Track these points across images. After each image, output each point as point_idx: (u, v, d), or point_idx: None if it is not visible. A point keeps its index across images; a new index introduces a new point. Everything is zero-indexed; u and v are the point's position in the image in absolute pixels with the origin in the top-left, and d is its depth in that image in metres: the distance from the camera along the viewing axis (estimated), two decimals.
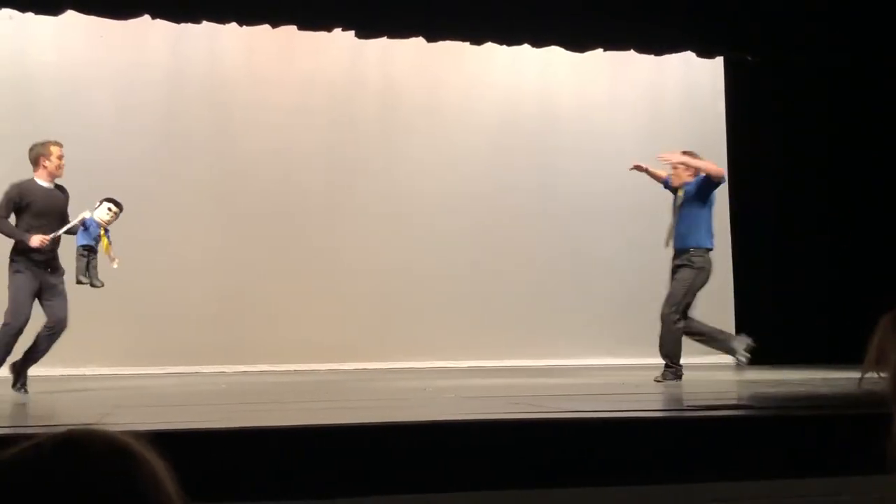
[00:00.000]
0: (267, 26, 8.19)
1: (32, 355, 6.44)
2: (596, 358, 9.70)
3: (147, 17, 7.71)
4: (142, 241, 9.01)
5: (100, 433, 1.01)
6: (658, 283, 9.94)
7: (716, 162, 7.80)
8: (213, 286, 9.15)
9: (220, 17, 8.08)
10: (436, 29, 8.35)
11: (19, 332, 6.33)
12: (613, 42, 8.89)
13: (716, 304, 10.33)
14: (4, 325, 6.34)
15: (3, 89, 8.80)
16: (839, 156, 10.19)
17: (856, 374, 1.39)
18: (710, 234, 7.09)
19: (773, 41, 8.71)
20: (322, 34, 8.39)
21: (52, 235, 6.30)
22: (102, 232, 6.55)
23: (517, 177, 10.09)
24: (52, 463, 0.97)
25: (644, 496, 3.63)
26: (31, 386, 6.55)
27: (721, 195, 10.61)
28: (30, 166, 6.54)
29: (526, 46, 8.94)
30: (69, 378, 8.16)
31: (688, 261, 7.05)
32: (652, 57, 9.55)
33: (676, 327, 7.05)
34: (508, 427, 3.99)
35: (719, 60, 10.26)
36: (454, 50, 9.11)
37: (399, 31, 8.45)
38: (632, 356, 9.35)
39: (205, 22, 8.14)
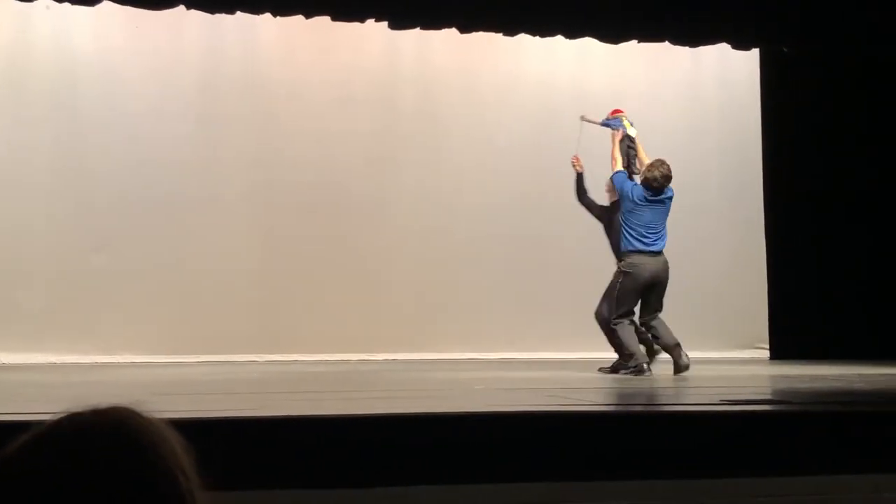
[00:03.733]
0: (301, 17, 8.21)
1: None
2: None
3: (182, 7, 7.74)
4: (177, 230, 9.08)
5: (101, 419, 0.97)
6: (698, 275, 9.89)
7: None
8: (247, 275, 9.19)
9: (255, 8, 8.10)
10: (469, 20, 8.32)
11: None
12: (648, 33, 8.81)
13: (751, 300, 10.27)
14: None
15: (42, 78, 8.88)
16: (877, 149, 10.07)
17: (893, 371, 1.36)
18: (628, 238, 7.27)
19: (809, 33, 8.60)
20: (357, 25, 8.39)
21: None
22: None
23: (554, 168, 10.03)
24: (47, 453, 0.94)
25: (679, 490, 3.61)
26: (67, 374, 6.60)
27: (755, 190, 10.56)
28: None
29: (560, 38, 8.89)
30: (103, 366, 8.24)
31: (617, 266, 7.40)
32: (687, 49, 9.47)
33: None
34: (539, 419, 3.98)
35: (755, 52, 10.16)
36: (489, 41, 9.08)
37: (432, 22, 8.43)
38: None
39: (239, 12, 8.16)
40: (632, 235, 7.19)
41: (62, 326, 8.60)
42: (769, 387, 6.57)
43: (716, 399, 4.70)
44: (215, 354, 8.70)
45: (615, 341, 7.22)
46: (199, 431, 1.04)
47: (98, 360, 8.46)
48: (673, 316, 9.82)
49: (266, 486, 3.19)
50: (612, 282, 7.34)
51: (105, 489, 0.93)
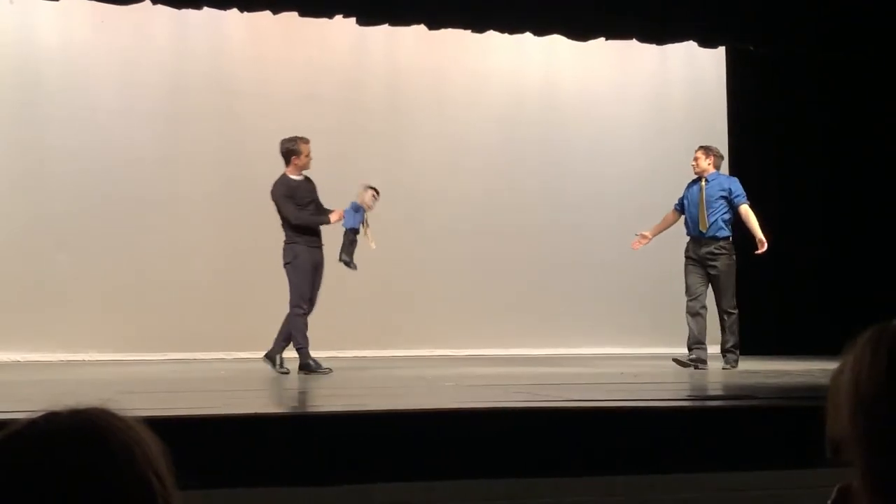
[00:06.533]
0: (268, 13, 8.16)
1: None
2: (597, 347, 9.70)
3: (148, 2, 7.67)
4: (143, 227, 9.00)
5: (77, 420, 0.96)
6: (660, 272, 9.95)
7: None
8: (213, 273, 9.13)
9: (221, 3, 8.04)
10: (437, 17, 8.31)
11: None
12: (615, 31, 8.84)
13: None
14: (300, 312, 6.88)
15: (6, 74, 8.77)
16: (841, 147, 10.17)
17: None
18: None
19: (776, 31, 8.67)
20: (325, 21, 8.36)
21: (340, 212, 6.99)
22: (365, 217, 7.03)
23: (521, 166, 10.08)
24: (18, 450, 0.93)
25: (644, 486, 3.62)
26: (31, 372, 6.54)
27: None
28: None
29: (528, 35, 8.90)
30: (70, 364, 8.16)
31: (724, 249, 7.44)
32: (655, 46, 9.52)
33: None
34: (507, 416, 3.99)
35: (722, 50, 10.23)
36: (457, 38, 9.08)
37: (400, 18, 8.41)
38: (633, 346, 9.35)
39: (206, 8, 8.10)
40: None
41: (27, 324, 8.50)
42: (736, 382, 6.62)
43: (683, 394, 4.73)
44: (182, 352, 8.65)
45: (734, 324, 7.27)
46: (166, 429, 1.04)
47: (65, 358, 8.38)
48: (640, 312, 9.90)
49: (233, 485, 3.17)
50: (720, 269, 7.36)
51: (73, 490, 0.92)
